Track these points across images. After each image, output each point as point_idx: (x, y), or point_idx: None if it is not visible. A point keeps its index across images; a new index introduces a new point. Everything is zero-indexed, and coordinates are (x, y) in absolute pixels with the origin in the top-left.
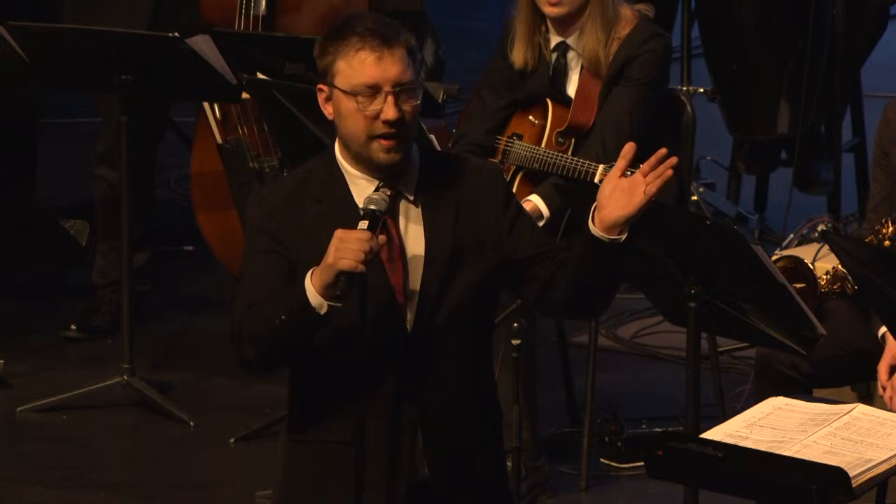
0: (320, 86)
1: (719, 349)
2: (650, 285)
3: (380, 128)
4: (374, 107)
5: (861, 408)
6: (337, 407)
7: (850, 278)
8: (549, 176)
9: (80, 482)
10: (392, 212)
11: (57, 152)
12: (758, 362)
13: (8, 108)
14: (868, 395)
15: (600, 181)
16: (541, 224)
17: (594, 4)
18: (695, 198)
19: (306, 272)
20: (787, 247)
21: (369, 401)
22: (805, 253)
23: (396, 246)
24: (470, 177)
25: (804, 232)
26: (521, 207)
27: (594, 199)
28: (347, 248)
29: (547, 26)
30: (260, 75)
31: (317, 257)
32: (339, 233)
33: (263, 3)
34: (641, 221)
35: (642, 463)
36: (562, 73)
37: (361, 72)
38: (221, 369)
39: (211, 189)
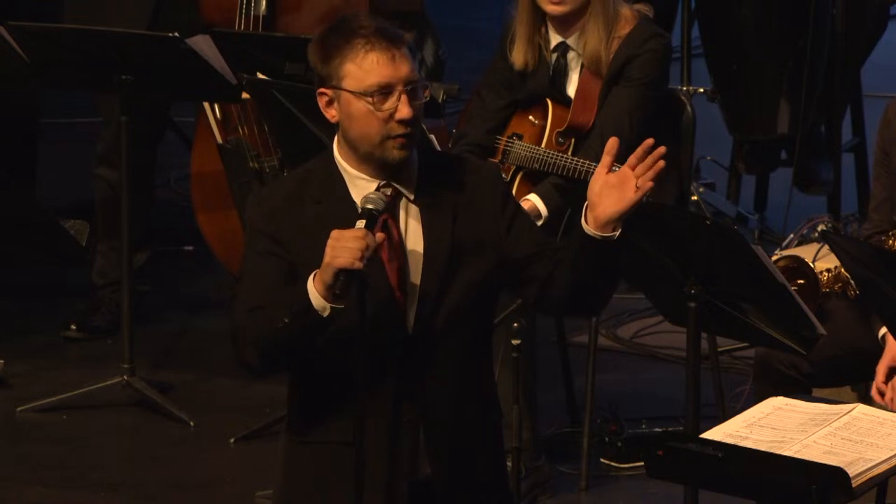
0: (323, 90)
1: (719, 349)
2: (650, 285)
3: (395, 128)
4: (388, 106)
5: (861, 408)
6: (337, 407)
7: (852, 282)
8: (550, 176)
9: (80, 482)
10: (392, 211)
11: (57, 152)
12: (758, 362)
13: (8, 108)
14: (868, 395)
15: None
16: (539, 223)
17: (595, 3)
18: (695, 198)
19: (306, 272)
20: (787, 247)
21: (369, 401)
22: (805, 253)
23: (397, 246)
24: (469, 177)
25: (804, 232)
26: (520, 207)
27: None
28: (343, 246)
29: (547, 27)
30: (260, 75)
31: (317, 257)
32: (334, 233)
33: (263, 3)
34: (640, 220)
35: (642, 463)
36: (562, 74)
37: (374, 72)
38: (221, 369)
39: (211, 189)
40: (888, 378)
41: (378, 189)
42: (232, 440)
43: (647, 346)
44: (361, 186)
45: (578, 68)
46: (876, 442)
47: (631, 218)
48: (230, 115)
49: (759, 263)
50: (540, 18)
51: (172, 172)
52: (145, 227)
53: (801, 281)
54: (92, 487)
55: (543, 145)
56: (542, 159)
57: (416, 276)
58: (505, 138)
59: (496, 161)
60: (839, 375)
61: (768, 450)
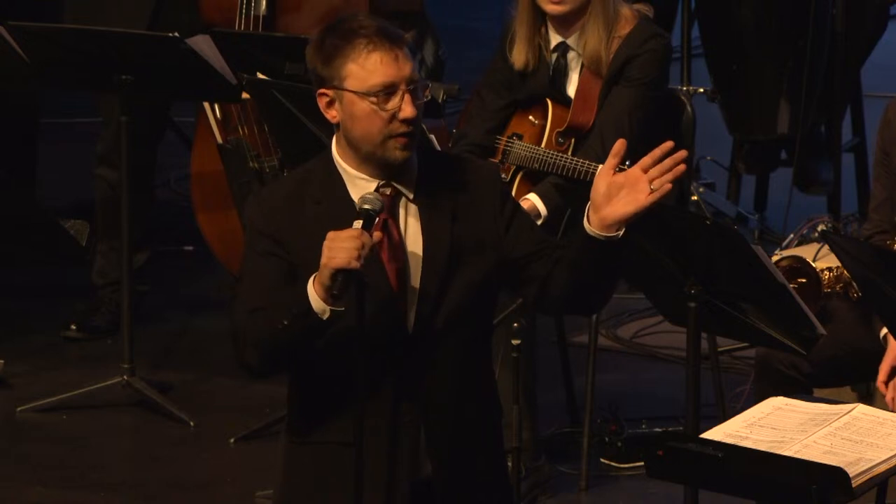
0: (322, 90)
1: (719, 349)
2: (650, 285)
3: (398, 127)
4: (391, 106)
5: (861, 408)
6: (337, 407)
7: (854, 285)
8: (549, 176)
9: (80, 482)
10: (392, 211)
11: (57, 152)
12: (758, 362)
13: (8, 108)
14: (868, 395)
15: None
16: (539, 223)
17: (595, 4)
18: (695, 198)
19: (306, 273)
20: (787, 247)
21: (369, 401)
22: (805, 253)
23: (397, 246)
24: (469, 177)
25: (804, 232)
26: (519, 206)
27: None
28: (338, 246)
29: (547, 27)
30: (260, 75)
31: (316, 258)
32: (330, 234)
33: (263, 3)
34: (643, 219)
35: (642, 463)
36: (562, 74)
37: (378, 72)
38: (221, 369)
39: (211, 189)
40: (890, 378)
41: (377, 189)
42: (232, 440)
43: (647, 346)
44: (361, 186)
45: (578, 68)
46: (876, 442)
47: (640, 218)
48: (230, 115)
49: (759, 263)
50: (540, 18)
51: (172, 172)
52: (145, 227)
53: (803, 280)
54: (92, 487)
55: (543, 145)
56: (542, 159)
57: (415, 276)
58: (505, 138)
59: (496, 161)
60: (839, 375)
61: (768, 450)
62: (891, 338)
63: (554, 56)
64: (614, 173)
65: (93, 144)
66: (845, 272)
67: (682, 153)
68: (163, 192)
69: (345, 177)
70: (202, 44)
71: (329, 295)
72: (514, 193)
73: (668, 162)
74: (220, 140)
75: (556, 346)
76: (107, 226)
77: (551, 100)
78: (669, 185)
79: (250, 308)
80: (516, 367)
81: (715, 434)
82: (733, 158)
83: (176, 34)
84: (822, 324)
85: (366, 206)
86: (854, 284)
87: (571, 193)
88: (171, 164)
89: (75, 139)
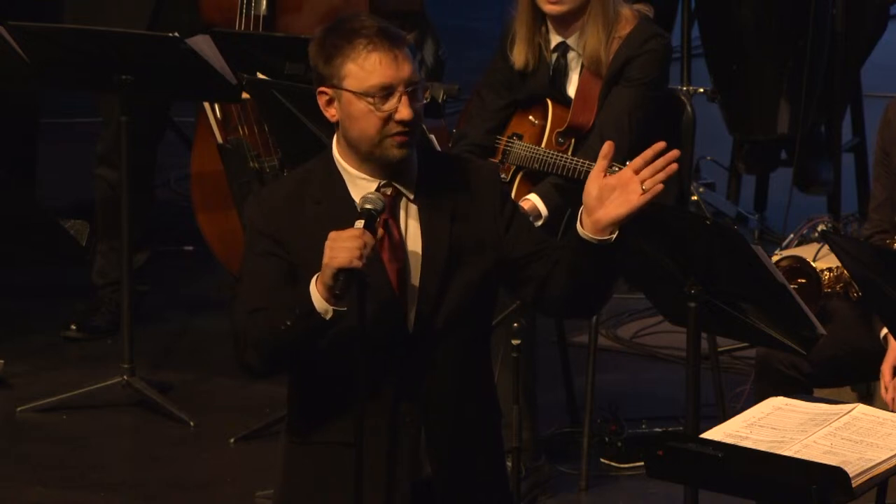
0: (323, 89)
1: (719, 349)
2: (650, 285)
3: (394, 127)
4: (388, 107)
5: (861, 408)
6: (337, 408)
7: (854, 284)
8: (549, 176)
9: (80, 482)
10: (393, 211)
11: (57, 152)
12: (758, 362)
13: (8, 108)
14: (868, 395)
15: None
16: (539, 223)
17: (595, 4)
18: (695, 198)
19: (307, 273)
20: (787, 247)
21: (369, 401)
22: (805, 253)
23: (398, 246)
24: (469, 177)
25: (804, 232)
26: (518, 206)
27: None
28: (340, 245)
29: (547, 26)
30: (260, 75)
31: (317, 258)
32: (332, 234)
33: (264, 3)
34: (640, 220)
35: (642, 463)
36: (562, 74)
37: (376, 73)
38: (221, 369)
39: (211, 189)
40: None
41: (378, 189)
42: (232, 440)
43: (647, 346)
44: (361, 186)
45: (578, 68)
46: (876, 442)
47: (632, 220)
48: (230, 115)
49: (759, 263)
50: (540, 18)
51: (172, 172)
52: (145, 227)
53: (803, 280)
54: (92, 487)
55: (543, 145)
56: (542, 159)
57: (415, 276)
58: (505, 138)
59: (496, 161)
60: (839, 375)
61: (768, 450)
62: (891, 338)
63: (554, 56)
64: (605, 175)
65: (93, 144)
66: (845, 272)
67: (674, 153)
68: (163, 192)
69: (345, 176)
70: (202, 44)
71: (331, 295)
72: (514, 193)
73: (659, 162)
74: (220, 140)
75: (556, 346)
76: (107, 226)
77: (551, 100)
78: (661, 186)
79: (250, 308)
80: (516, 367)
81: (715, 434)
82: (733, 158)
83: (176, 34)
84: (822, 324)
85: (367, 206)
86: (854, 284)
87: (571, 193)
88: (171, 164)
89: (75, 139)
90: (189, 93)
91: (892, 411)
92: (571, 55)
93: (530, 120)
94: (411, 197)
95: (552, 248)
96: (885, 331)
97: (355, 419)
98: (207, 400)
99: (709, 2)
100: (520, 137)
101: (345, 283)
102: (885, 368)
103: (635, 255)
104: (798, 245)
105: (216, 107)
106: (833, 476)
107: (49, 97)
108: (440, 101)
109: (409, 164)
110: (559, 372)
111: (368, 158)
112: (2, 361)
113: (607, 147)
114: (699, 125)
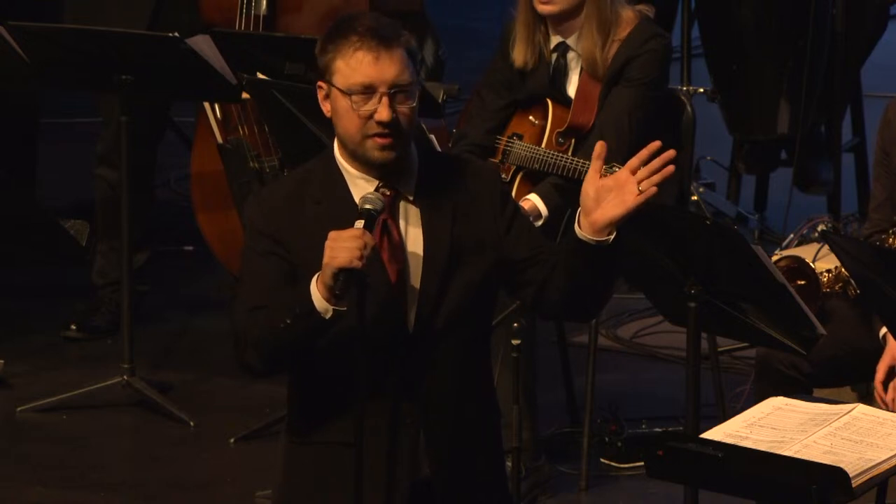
0: (320, 83)
1: (719, 349)
2: (650, 285)
3: (373, 127)
4: (369, 107)
5: (861, 408)
6: (337, 408)
7: (853, 282)
8: (549, 176)
9: (80, 482)
10: (392, 212)
11: (57, 152)
12: (758, 362)
13: (8, 108)
14: (868, 395)
15: None
16: (539, 223)
17: (590, 5)
18: (695, 198)
19: (307, 273)
20: (787, 247)
21: (369, 401)
22: (805, 253)
23: (398, 246)
24: (469, 178)
25: (804, 232)
26: (519, 207)
27: None
28: (340, 245)
29: (547, 27)
30: (260, 75)
31: (317, 258)
32: (332, 234)
33: (264, 3)
34: (640, 220)
35: (642, 463)
36: (562, 74)
37: (358, 71)
38: (221, 369)
39: (211, 189)
40: (888, 377)
41: (377, 189)
42: (232, 440)
43: (647, 346)
44: (362, 186)
45: (578, 68)
46: (876, 442)
47: (629, 220)
48: (230, 115)
49: (759, 263)
50: (540, 18)
51: (172, 172)
52: (145, 227)
53: (802, 281)
54: (92, 487)
55: (543, 145)
56: (542, 159)
57: (415, 276)
58: (505, 138)
59: (496, 161)
60: (839, 375)
61: (768, 450)
62: (889, 338)
63: (554, 56)
64: (601, 177)
65: (93, 144)
66: (844, 271)
67: (671, 153)
68: (163, 192)
69: (346, 176)
70: (202, 44)
71: (332, 294)
72: (514, 193)
73: (655, 162)
74: (220, 140)
75: (556, 346)
76: (107, 226)
77: (551, 100)
78: (655, 188)
79: (251, 308)
80: (516, 367)
81: (715, 434)
82: (733, 158)
83: (176, 34)
84: (822, 324)
85: (367, 206)
86: (852, 282)
87: (571, 193)
88: (171, 164)
89: (75, 139)
90: (189, 93)
91: (892, 411)
92: (571, 55)
93: (530, 120)
94: (411, 197)
95: (551, 251)
96: (884, 330)
97: (355, 419)
98: (207, 400)
99: (709, 2)
100: (520, 137)
101: (345, 283)
102: (881, 367)
103: (635, 255)
104: (798, 245)
105: (216, 107)
106: (833, 476)
107: (49, 97)
108: (440, 101)
109: (408, 165)
110: (559, 372)
111: (355, 157)
112: (2, 361)
113: (599, 147)
114: (699, 125)
